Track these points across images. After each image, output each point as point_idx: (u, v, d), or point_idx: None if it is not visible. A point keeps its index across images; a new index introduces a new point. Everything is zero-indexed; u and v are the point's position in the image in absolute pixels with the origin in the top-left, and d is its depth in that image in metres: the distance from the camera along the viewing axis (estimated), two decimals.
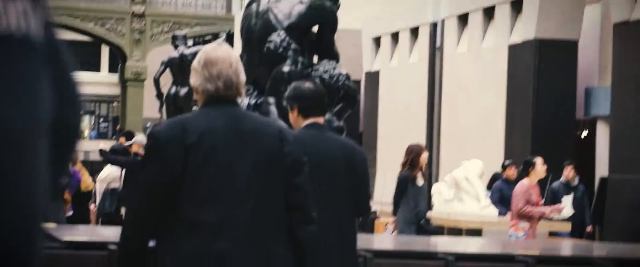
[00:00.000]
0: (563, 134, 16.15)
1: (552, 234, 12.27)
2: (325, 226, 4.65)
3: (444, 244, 8.34)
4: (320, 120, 4.92)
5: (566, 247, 7.90)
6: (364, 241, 7.33)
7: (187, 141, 3.60)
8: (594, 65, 17.24)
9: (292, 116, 4.94)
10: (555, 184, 12.81)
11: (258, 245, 3.62)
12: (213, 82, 3.72)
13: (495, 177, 14.23)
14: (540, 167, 10.72)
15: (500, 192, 13.39)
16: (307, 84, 4.99)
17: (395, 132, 20.74)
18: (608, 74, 15.85)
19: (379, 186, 21.09)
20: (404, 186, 10.45)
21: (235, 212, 3.62)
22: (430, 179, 18.70)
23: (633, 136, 14.03)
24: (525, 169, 10.85)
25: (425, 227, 10.55)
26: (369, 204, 5.07)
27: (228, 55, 3.78)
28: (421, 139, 19.47)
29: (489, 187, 14.04)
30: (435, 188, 13.44)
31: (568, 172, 12.94)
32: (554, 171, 14.00)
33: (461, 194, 12.67)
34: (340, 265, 4.77)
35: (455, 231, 12.00)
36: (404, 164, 10.84)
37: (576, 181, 12.55)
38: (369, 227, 15.84)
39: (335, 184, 4.80)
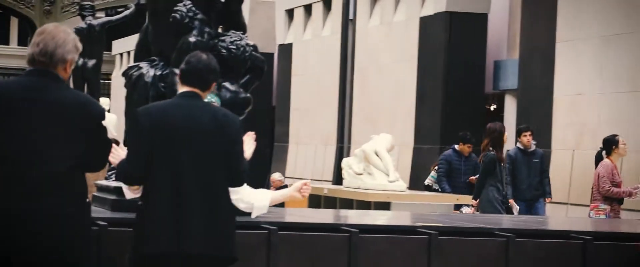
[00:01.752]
0: (472, 107, 16.30)
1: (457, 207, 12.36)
2: (188, 193, 4.72)
3: (349, 217, 8.33)
4: (198, 91, 4.87)
5: (469, 219, 7.95)
6: (270, 214, 7.29)
7: None
8: (503, 38, 17.40)
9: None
10: (512, 150, 12.41)
11: (43, 199, 4.25)
12: (33, 48, 4.39)
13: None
14: (622, 146, 10.45)
15: (450, 164, 13.22)
16: (199, 55, 4.95)
17: (308, 106, 20.72)
18: (516, 46, 16.01)
19: (291, 160, 21.08)
20: (492, 167, 10.27)
21: (24, 172, 4.26)
22: (341, 153, 18.74)
23: (539, 110, 14.20)
24: (607, 148, 10.47)
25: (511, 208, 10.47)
26: (243, 173, 4.93)
27: (56, 30, 4.41)
28: (333, 112, 19.48)
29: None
30: (345, 162, 13.44)
31: (524, 138, 12.52)
32: (457, 143, 14.13)
33: (370, 167, 12.69)
34: (204, 230, 4.72)
35: (364, 205, 12.02)
36: (486, 145, 10.59)
37: (533, 147, 12.15)
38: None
39: (201, 151, 4.75)
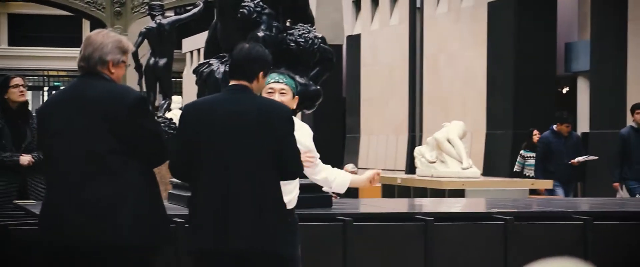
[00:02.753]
0: (544, 90, 16.15)
1: (533, 192, 12.23)
2: (235, 189, 4.62)
3: (424, 205, 8.32)
4: (245, 83, 4.76)
5: (544, 203, 7.89)
6: (344, 206, 7.32)
7: (41, 114, 4.73)
8: (573, 19, 17.20)
9: None
10: (624, 130, 11.80)
11: (81, 197, 4.45)
12: (78, 56, 4.66)
13: (529, 135, 13.73)
14: None
15: (548, 146, 12.69)
16: (241, 46, 4.84)
17: (379, 96, 20.71)
18: (587, 28, 15.82)
19: (363, 151, 21.09)
20: None
21: (64, 166, 4.51)
22: (413, 142, 18.70)
23: (613, 90, 14.02)
24: None
25: None
26: (296, 165, 4.75)
27: (96, 35, 4.65)
28: (404, 102, 19.44)
29: (527, 147, 13.51)
30: (418, 151, 13.41)
31: (638, 116, 11.59)
32: (536, 126, 14.01)
33: (443, 155, 12.65)
34: (252, 226, 4.61)
35: (439, 193, 12.00)
36: None
37: None
38: (354, 192, 15.84)
39: (247, 145, 4.64)
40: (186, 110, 4.80)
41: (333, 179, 5.37)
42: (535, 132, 13.62)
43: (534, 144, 13.44)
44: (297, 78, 7.85)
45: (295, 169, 4.76)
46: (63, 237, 4.51)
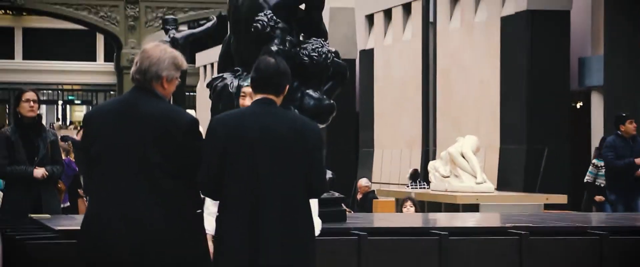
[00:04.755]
0: (557, 105, 16.11)
1: (548, 206, 12.19)
2: (266, 204, 4.57)
3: (438, 220, 8.29)
4: (273, 97, 4.72)
5: (560, 218, 7.85)
6: (359, 220, 7.31)
7: (90, 121, 4.72)
8: (586, 34, 17.16)
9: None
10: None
11: (129, 210, 4.47)
12: (133, 67, 4.70)
13: (602, 143, 12.98)
14: None
15: (615, 149, 12.01)
16: (266, 60, 4.78)
17: (392, 110, 20.69)
18: (601, 43, 15.79)
19: (377, 165, 21.06)
20: None
21: (119, 182, 4.50)
22: (427, 156, 18.68)
23: (627, 105, 13.98)
24: None
25: None
26: (322, 183, 4.71)
27: (153, 49, 4.67)
28: (417, 116, 19.42)
29: (600, 156, 12.72)
30: (432, 165, 13.40)
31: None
32: (549, 143, 13.96)
33: (457, 170, 12.64)
34: (282, 243, 4.56)
35: (453, 207, 11.98)
36: None
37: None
38: (368, 207, 15.82)
39: (279, 161, 4.60)
40: (215, 124, 4.73)
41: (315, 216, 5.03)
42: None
43: None
44: (311, 92, 7.87)
45: (319, 186, 4.70)
46: (110, 254, 4.50)
